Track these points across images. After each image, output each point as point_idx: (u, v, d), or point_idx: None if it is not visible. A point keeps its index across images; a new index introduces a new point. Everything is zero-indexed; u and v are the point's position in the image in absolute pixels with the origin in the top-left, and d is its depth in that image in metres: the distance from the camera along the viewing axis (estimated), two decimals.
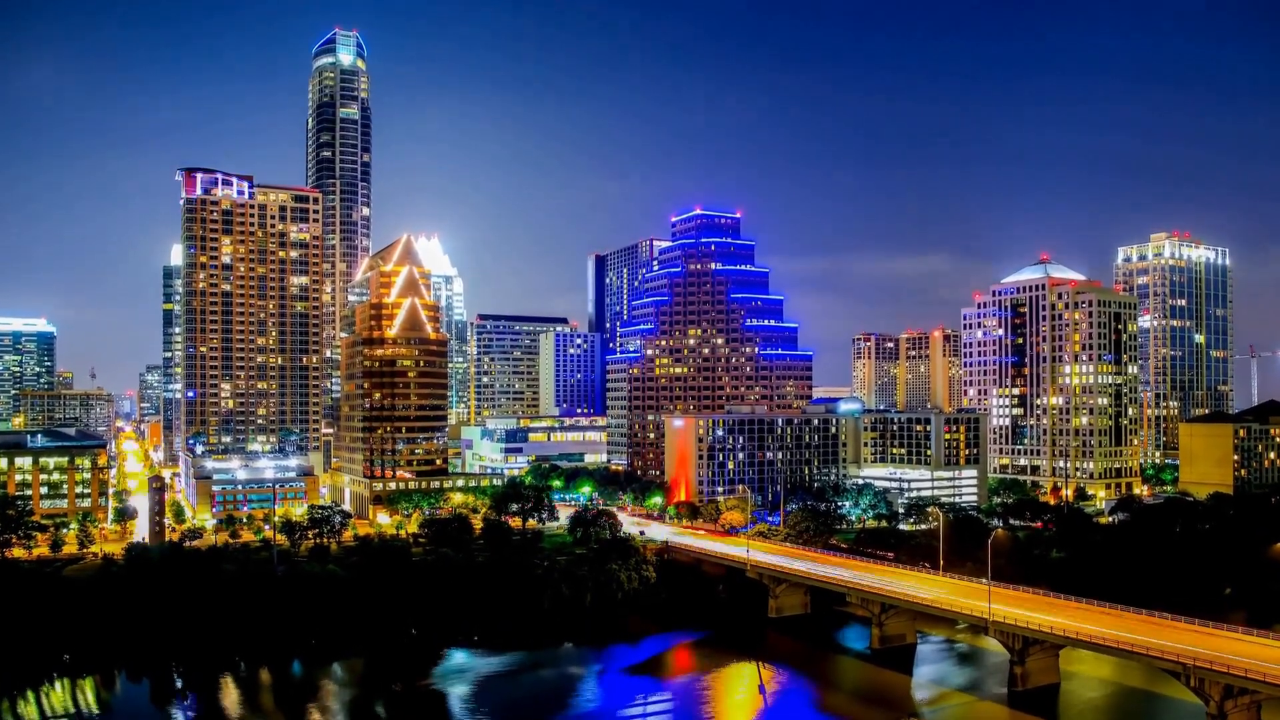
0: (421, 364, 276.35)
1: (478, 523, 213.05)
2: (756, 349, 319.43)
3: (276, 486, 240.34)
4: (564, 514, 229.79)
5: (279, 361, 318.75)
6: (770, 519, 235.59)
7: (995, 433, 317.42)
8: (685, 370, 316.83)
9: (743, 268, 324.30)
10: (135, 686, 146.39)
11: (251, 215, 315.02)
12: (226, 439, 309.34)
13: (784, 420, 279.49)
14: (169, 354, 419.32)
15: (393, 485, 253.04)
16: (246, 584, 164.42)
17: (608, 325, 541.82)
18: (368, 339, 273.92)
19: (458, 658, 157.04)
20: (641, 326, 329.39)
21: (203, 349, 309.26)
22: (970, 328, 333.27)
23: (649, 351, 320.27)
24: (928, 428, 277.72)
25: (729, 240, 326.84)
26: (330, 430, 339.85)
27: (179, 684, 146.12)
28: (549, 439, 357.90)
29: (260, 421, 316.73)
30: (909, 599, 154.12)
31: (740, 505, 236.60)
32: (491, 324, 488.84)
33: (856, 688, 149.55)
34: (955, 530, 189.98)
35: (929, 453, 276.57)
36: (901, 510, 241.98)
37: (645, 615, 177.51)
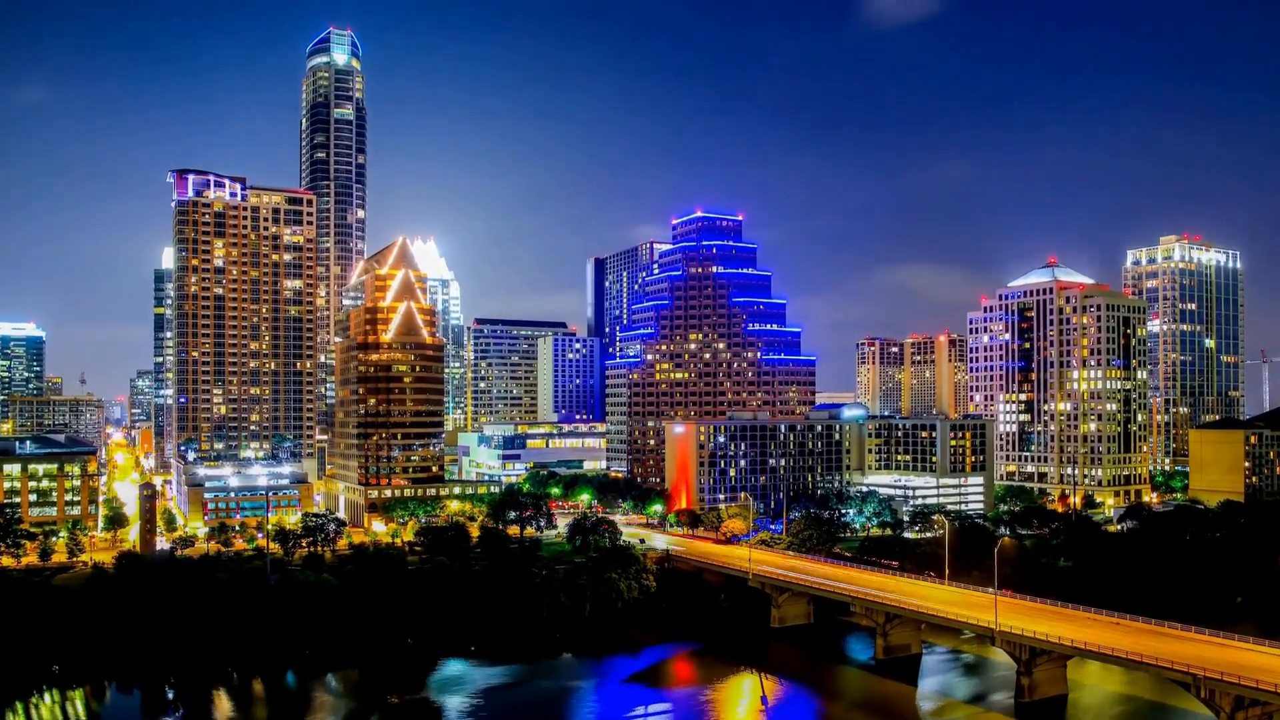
0: (417, 369, 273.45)
1: (475, 531, 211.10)
2: (758, 354, 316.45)
3: (270, 494, 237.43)
4: (562, 522, 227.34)
5: (272, 366, 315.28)
6: (772, 527, 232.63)
7: (1002, 439, 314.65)
8: (686, 375, 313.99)
9: (744, 271, 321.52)
10: (126, 698, 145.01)
11: (244, 218, 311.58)
12: (219, 445, 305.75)
13: (787, 426, 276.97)
14: (160, 359, 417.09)
15: (388, 493, 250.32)
16: (239, 593, 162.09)
17: (607, 329, 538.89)
18: (363, 344, 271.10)
19: (454, 668, 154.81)
20: (641, 331, 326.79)
21: (195, 354, 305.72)
22: (976, 332, 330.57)
23: (649, 356, 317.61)
24: (933, 434, 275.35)
25: (730, 243, 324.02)
26: (325, 437, 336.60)
27: (170, 695, 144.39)
28: (547, 445, 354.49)
29: (253, 428, 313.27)
30: (914, 609, 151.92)
31: (742, 513, 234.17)
32: (489, 328, 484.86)
33: (860, 699, 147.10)
34: (961, 539, 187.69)
35: (934, 460, 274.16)
36: (906, 518, 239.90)
37: (645, 625, 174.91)
